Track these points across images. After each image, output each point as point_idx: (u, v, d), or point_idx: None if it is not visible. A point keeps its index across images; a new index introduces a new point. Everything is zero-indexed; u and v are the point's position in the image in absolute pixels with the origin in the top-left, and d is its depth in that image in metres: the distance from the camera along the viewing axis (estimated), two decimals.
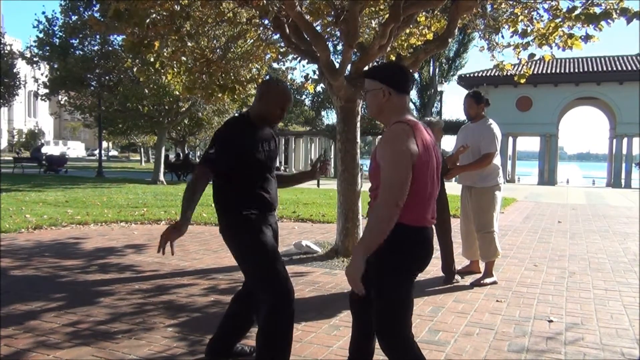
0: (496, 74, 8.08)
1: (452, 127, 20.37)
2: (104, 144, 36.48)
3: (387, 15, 5.93)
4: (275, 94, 2.79)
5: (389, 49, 6.43)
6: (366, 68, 2.65)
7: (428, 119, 5.44)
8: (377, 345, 2.42)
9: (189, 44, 6.69)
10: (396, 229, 2.23)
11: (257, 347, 2.65)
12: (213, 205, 2.84)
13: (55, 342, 3.34)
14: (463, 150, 5.14)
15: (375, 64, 5.99)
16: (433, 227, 2.45)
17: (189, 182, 2.65)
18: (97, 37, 18.78)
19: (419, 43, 7.34)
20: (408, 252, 2.28)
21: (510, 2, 6.52)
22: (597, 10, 5.04)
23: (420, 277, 5.19)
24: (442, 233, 5.11)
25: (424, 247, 2.33)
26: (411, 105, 35.24)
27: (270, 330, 2.61)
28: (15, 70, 30.05)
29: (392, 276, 2.29)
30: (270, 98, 2.78)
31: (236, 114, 2.93)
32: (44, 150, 30.26)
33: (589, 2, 5.14)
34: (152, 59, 6.46)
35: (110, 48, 19.00)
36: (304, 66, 15.69)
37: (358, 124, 6.30)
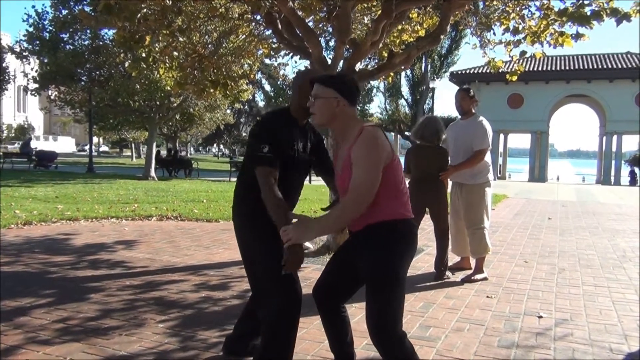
0: (488, 71, 8.15)
1: (444, 124, 20.42)
2: (95, 139, 36.23)
3: (380, 11, 5.93)
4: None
5: (381, 45, 6.44)
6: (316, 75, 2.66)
7: (430, 115, 5.46)
8: (369, 341, 2.43)
9: (181, 39, 6.67)
10: (394, 224, 2.35)
11: (260, 348, 2.64)
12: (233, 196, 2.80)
13: (45, 339, 3.32)
14: None
15: (365, 61, 5.98)
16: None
17: (266, 192, 2.48)
18: (88, 31, 18.60)
19: (411, 39, 7.36)
20: (408, 244, 2.40)
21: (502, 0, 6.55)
22: (588, 10, 5.07)
23: (412, 273, 5.24)
24: (441, 231, 5.13)
25: (414, 237, 2.46)
26: (403, 102, 35.61)
27: (274, 331, 2.60)
28: (4, 65, 29.74)
29: (393, 272, 2.33)
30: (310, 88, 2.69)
31: (275, 109, 2.81)
32: (33, 144, 29.94)
33: (580, 2, 5.16)
34: (143, 54, 6.42)
35: (101, 43, 18.82)
36: (295, 62, 15.60)
37: None
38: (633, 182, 29.82)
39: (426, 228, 5.52)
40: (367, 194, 2.25)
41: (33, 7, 19.52)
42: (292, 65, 13.80)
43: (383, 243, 2.33)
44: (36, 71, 20.20)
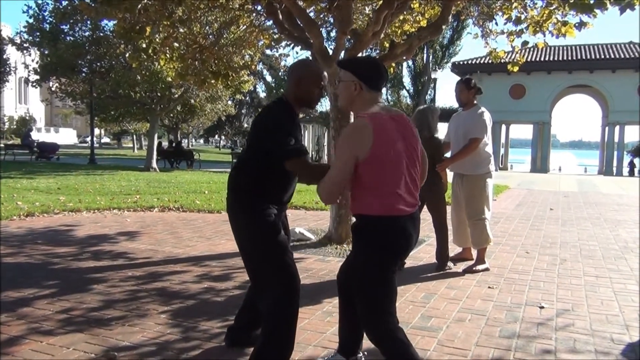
0: (490, 61, 8.17)
1: (445, 115, 20.39)
2: (96, 131, 36.26)
3: (381, 1, 5.90)
4: (314, 74, 2.71)
5: (382, 35, 6.41)
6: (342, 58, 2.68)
7: (422, 107, 5.43)
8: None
9: (181, 30, 6.64)
10: (365, 220, 2.35)
11: (261, 338, 2.65)
12: (230, 186, 2.78)
13: (48, 329, 3.34)
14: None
15: (367, 51, 5.94)
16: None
17: (315, 174, 2.50)
18: (88, 22, 18.53)
19: (413, 30, 7.31)
20: (381, 243, 2.32)
21: None
22: None
23: (413, 264, 5.27)
24: (439, 223, 5.12)
25: (398, 235, 2.34)
26: (405, 93, 35.45)
27: (275, 321, 2.61)
28: (5, 57, 29.67)
29: (367, 268, 2.34)
30: (311, 79, 2.68)
31: (275, 100, 2.78)
32: (34, 136, 29.94)
33: None
34: (144, 45, 6.40)
35: (101, 34, 18.77)
36: (297, 53, 15.52)
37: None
38: (631, 172, 29.73)
39: (427, 219, 5.52)
40: (331, 182, 2.34)
41: None
42: (293, 56, 13.82)
43: (361, 237, 2.37)
44: (37, 63, 20.16)
